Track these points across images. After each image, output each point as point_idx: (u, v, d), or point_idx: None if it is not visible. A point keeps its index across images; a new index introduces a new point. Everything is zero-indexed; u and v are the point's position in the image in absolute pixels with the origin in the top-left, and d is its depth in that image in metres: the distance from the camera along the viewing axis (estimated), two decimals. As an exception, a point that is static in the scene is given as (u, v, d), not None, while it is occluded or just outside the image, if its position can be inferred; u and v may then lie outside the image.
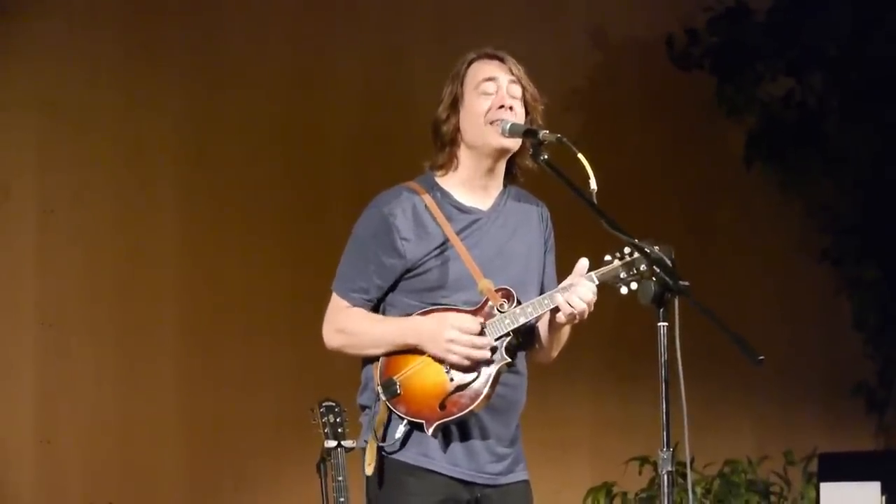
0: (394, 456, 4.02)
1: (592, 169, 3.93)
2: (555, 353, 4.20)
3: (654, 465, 5.89)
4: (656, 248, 3.82)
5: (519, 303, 4.00)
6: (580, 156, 3.94)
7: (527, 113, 4.13)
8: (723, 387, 8.14)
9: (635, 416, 7.86)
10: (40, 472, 7.44)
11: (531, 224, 4.21)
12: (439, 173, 4.16)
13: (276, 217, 7.85)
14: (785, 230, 8.46)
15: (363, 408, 4.11)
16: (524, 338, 4.06)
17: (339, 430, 5.57)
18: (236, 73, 7.86)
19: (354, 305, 4.10)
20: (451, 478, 4.03)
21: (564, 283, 4.00)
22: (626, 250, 3.90)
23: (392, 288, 4.10)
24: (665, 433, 3.73)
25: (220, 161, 7.81)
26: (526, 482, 4.17)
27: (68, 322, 7.51)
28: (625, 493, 7.53)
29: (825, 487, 6.43)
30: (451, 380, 3.97)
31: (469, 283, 4.03)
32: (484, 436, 4.05)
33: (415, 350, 4.01)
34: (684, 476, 4.72)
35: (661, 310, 3.75)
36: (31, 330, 7.47)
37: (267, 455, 7.67)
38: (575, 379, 7.95)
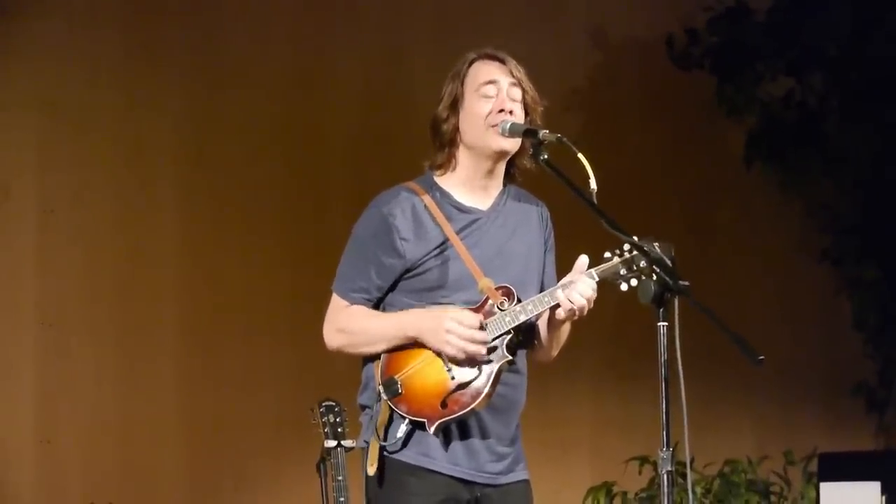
0: (394, 456, 4.02)
1: (592, 169, 3.94)
2: (555, 352, 4.20)
3: (654, 464, 5.89)
4: (656, 245, 3.82)
5: (519, 301, 4.01)
6: (580, 156, 3.94)
7: (526, 114, 4.14)
8: (723, 387, 8.14)
9: (635, 416, 7.86)
10: (40, 472, 7.44)
11: (531, 224, 4.21)
12: (438, 173, 4.17)
13: (276, 217, 7.85)
14: (785, 230, 8.46)
15: (363, 407, 4.11)
16: (525, 336, 4.07)
17: (339, 430, 5.57)
18: (236, 73, 7.86)
19: (354, 305, 4.11)
20: (452, 477, 4.03)
21: (564, 280, 4.01)
22: (626, 247, 3.89)
23: (392, 288, 4.10)
24: (665, 433, 3.73)
25: (220, 161, 7.81)
26: (526, 482, 4.17)
27: (68, 322, 7.51)
28: (625, 493, 7.53)
29: (825, 487, 6.43)
30: (453, 378, 3.97)
31: (469, 282, 4.03)
32: (484, 435, 4.05)
33: (415, 346, 4.01)
34: (684, 476, 4.72)
35: (661, 309, 3.75)
36: (31, 330, 7.47)
37: (267, 455, 7.67)
38: (575, 378, 7.96)
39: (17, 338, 7.46)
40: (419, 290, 4.05)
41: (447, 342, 3.96)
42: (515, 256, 4.13)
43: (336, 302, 4.13)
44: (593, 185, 3.93)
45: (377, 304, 4.12)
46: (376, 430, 4.00)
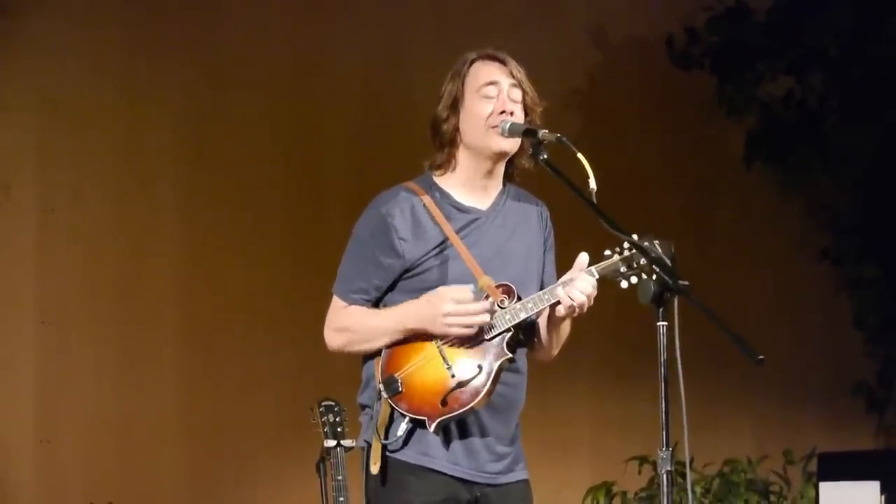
0: (394, 455, 4.02)
1: (592, 169, 3.94)
2: (555, 351, 4.20)
3: (654, 464, 5.90)
4: (656, 243, 3.82)
5: (519, 299, 4.01)
6: (580, 155, 3.94)
7: (526, 115, 4.14)
8: (723, 387, 8.14)
9: (635, 416, 7.86)
10: (40, 472, 7.44)
11: (530, 224, 4.21)
12: (438, 173, 4.17)
13: (276, 217, 7.85)
14: (785, 230, 8.46)
15: (363, 407, 4.11)
16: (525, 333, 4.07)
17: (339, 430, 5.57)
18: (236, 73, 7.86)
19: (353, 305, 4.11)
20: (452, 477, 4.03)
21: (565, 278, 4.01)
22: (626, 245, 3.89)
23: (391, 288, 4.10)
24: (664, 432, 3.73)
25: (220, 161, 7.81)
26: (526, 481, 4.17)
27: (68, 321, 7.51)
28: (624, 493, 7.53)
29: (825, 487, 6.43)
30: (453, 376, 3.98)
31: (469, 281, 4.03)
32: (484, 435, 4.05)
33: (415, 343, 4.01)
34: (684, 475, 4.72)
35: (661, 309, 3.75)
36: (31, 328, 7.47)
37: (267, 454, 7.67)
38: (574, 378, 7.96)
39: (17, 336, 7.46)
40: (419, 290, 4.05)
41: (450, 325, 3.97)
42: (515, 256, 4.13)
43: (335, 303, 4.14)
44: (593, 184, 3.93)
45: (376, 305, 4.11)
46: (377, 429, 4.00)
